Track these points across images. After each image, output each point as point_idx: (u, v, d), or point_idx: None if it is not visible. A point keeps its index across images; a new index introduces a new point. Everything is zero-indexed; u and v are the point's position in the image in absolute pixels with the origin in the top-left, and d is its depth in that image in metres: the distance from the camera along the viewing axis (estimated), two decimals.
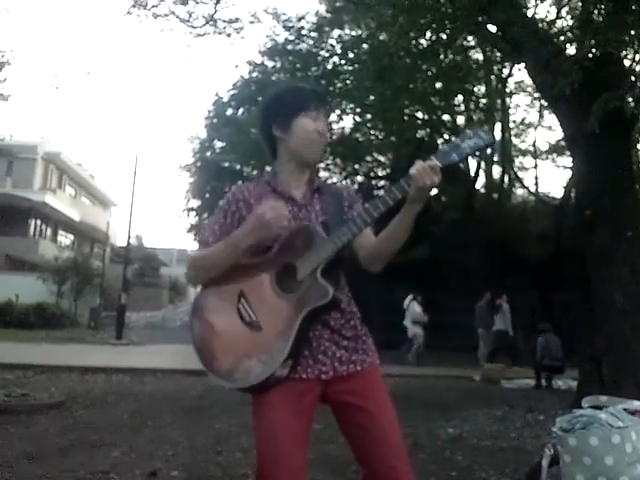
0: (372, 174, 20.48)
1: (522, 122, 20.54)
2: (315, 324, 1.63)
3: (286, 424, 1.56)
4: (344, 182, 21.51)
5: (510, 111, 19.50)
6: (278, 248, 1.62)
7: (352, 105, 15.28)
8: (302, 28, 13.35)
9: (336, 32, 13.70)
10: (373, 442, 1.61)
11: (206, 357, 1.64)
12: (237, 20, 10.20)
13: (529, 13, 7.84)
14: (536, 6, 8.66)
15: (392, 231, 1.59)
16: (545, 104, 14.63)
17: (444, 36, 8.37)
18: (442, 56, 9.86)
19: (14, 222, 25.99)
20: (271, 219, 1.52)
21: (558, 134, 18.28)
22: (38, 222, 28.46)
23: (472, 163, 19.37)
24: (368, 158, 19.78)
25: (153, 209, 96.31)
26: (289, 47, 13.52)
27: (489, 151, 19.27)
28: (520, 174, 20.97)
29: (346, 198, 1.79)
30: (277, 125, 1.74)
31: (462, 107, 17.95)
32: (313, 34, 13.34)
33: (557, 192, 22.87)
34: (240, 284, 1.63)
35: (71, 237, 32.67)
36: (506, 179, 20.56)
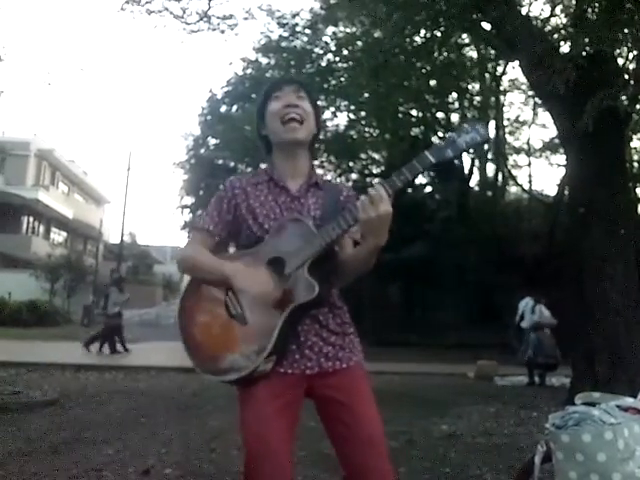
0: (366, 172, 20.49)
1: (516, 120, 20.59)
2: (303, 319, 1.61)
3: (272, 420, 1.54)
4: (338, 180, 21.56)
5: (504, 109, 19.55)
6: (268, 239, 1.63)
7: (346, 102, 15.26)
8: (296, 25, 13.29)
9: (330, 29, 13.65)
10: (354, 440, 1.58)
11: (191, 349, 1.64)
12: (231, 17, 10.15)
13: (523, 11, 7.87)
14: (530, 4, 8.70)
15: (354, 256, 1.62)
16: (539, 102, 14.65)
17: (438, 34, 8.37)
18: (436, 54, 9.86)
19: (6, 219, 25.86)
20: (261, 291, 1.54)
21: (552, 132, 18.33)
22: (31, 219, 28.33)
23: (466, 161, 19.42)
24: (362, 155, 19.79)
25: (147, 206, 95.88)
26: (283, 44, 13.45)
27: (485, 147, 19.33)
28: (514, 172, 21.05)
29: (344, 196, 1.77)
30: (261, 125, 1.79)
31: (456, 105, 17.98)
32: (307, 31, 13.28)
33: (551, 190, 22.90)
34: None
35: (64, 234, 32.53)
36: (500, 177, 20.63)
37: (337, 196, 1.76)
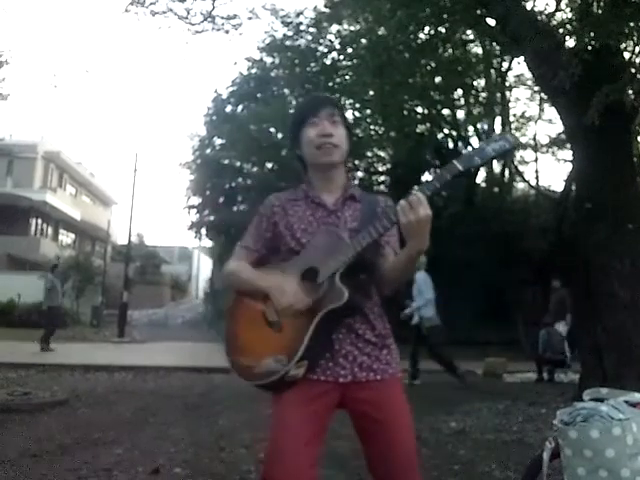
0: (372, 169, 20.46)
1: (522, 115, 20.45)
2: (337, 327, 1.65)
3: (297, 423, 1.58)
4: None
5: (510, 105, 19.43)
6: (304, 251, 1.68)
7: (351, 100, 15.26)
8: (300, 24, 13.31)
9: (334, 27, 13.65)
10: (384, 456, 1.63)
11: (231, 353, 1.74)
12: (235, 16, 10.20)
13: (528, 6, 7.80)
14: None
15: (395, 263, 1.64)
16: (545, 97, 14.59)
17: (443, 30, 8.35)
18: (441, 50, 9.85)
19: (15, 221, 25.99)
20: (288, 302, 1.59)
21: (558, 127, 18.20)
22: (39, 221, 28.47)
23: None
24: (368, 153, 19.75)
25: (154, 207, 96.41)
26: (288, 43, 13.48)
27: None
28: (521, 168, 20.92)
29: (381, 207, 1.78)
30: (295, 145, 1.83)
31: (462, 101, 17.92)
32: (311, 30, 13.30)
33: (558, 185, 22.76)
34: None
35: (72, 236, 32.69)
36: (507, 173, 20.53)
37: (374, 207, 1.77)
